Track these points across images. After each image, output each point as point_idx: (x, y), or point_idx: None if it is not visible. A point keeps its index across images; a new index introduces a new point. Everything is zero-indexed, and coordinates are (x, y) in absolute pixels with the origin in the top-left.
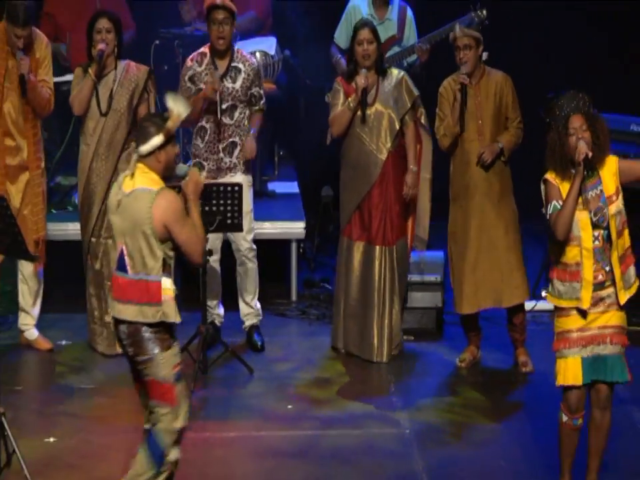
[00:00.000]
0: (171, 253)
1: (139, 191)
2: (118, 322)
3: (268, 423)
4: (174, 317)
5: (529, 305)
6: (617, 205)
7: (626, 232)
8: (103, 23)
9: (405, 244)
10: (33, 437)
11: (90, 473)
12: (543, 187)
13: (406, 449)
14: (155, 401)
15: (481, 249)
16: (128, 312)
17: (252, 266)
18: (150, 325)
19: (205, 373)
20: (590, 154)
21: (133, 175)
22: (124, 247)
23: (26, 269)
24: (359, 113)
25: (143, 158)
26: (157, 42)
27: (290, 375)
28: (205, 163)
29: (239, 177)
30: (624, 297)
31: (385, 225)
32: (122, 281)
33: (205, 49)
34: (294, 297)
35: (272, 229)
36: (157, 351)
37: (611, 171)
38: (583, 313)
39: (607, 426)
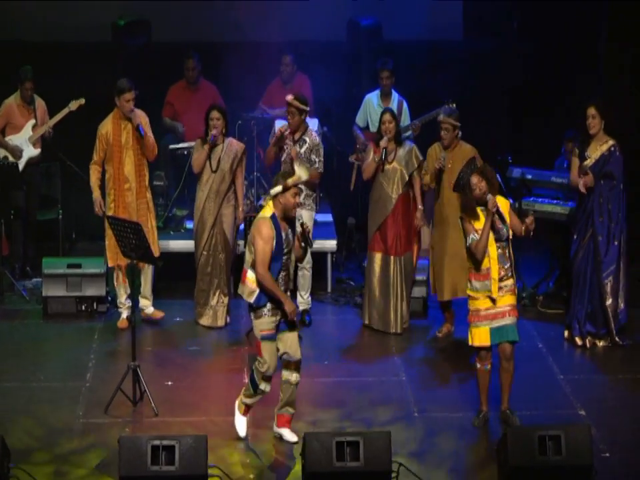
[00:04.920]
0: None
1: (258, 216)
2: None
3: (312, 372)
4: (247, 297)
5: None
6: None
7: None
8: (215, 114)
9: (411, 256)
10: (157, 381)
11: (195, 404)
12: (460, 223)
13: (401, 385)
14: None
15: (452, 257)
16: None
17: (308, 274)
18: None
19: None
20: (498, 210)
21: (263, 206)
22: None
23: (146, 268)
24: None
25: (272, 198)
26: (240, 122)
27: (326, 341)
28: None
29: (304, 212)
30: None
31: (396, 242)
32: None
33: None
34: (329, 289)
35: (315, 244)
36: (252, 317)
37: (505, 208)
38: (491, 298)
39: (512, 371)
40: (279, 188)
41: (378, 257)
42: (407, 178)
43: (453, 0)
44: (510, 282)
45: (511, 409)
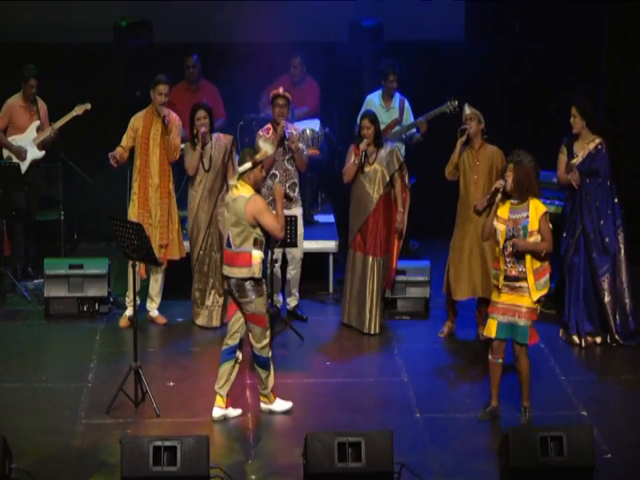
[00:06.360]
0: (261, 233)
1: (239, 197)
2: (227, 277)
3: (313, 373)
4: (258, 274)
5: None
6: (535, 238)
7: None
8: (201, 113)
9: (389, 257)
10: (159, 382)
11: (197, 405)
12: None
13: (403, 385)
14: (253, 325)
15: (473, 257)
16: (233, 272)
17: (298, 271)
18: (247, 279)
19: (272, 339)
20: (500, 190)
21: (236, 187)
22: (230, 232)
23: (154, 270)
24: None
25: (240, 176)
26: (241, 123)
27: (328, 342)
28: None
29: (297, 209)
30: (536, 296)
31: (376, 243)
32: (229, 253)
33: (269, 125)
34: (331, 290)
35: (317, 245)
36: (254, 296)
37: (538, 213)
38: (498, 288)
39: (524, 368)
40: (248, 165)
41: (358, 257)
42: (388, 179)
43: (455, 0)
44: (523, 284)
45: (525, 408)
